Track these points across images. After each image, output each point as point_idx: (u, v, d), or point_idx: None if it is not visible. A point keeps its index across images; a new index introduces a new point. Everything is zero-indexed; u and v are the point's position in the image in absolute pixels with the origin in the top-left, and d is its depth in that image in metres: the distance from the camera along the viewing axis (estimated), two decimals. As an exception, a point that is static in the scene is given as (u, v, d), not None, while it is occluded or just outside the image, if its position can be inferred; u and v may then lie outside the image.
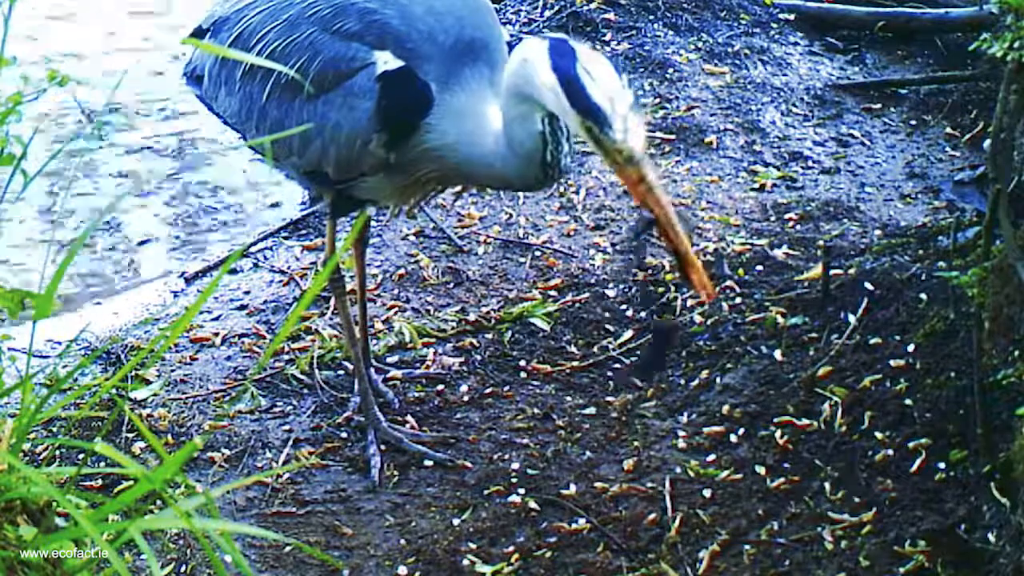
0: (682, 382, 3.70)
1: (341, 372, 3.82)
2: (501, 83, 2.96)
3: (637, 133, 2.64)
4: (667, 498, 3.24)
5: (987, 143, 3.17)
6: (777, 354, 3.67)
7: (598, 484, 3.34)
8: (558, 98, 2.68)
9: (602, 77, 2.66)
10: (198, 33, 3.47)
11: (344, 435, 3.58)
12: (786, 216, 4.60)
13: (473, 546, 3.17)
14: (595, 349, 3.88)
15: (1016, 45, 2.75)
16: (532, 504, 3.29)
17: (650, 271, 4.27)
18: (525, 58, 2.76)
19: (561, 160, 2.90)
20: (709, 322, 3.89)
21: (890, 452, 3.21)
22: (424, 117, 2.99)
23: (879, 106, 5.51)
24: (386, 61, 3.02)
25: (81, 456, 3.27)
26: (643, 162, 2.65)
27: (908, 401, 3.32)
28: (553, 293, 4.16)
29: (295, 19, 3.10)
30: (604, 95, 2.64)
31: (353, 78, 3.03)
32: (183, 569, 3.09)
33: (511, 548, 3.15)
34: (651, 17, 6.01)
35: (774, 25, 6.08)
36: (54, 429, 3.47)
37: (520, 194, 4.70)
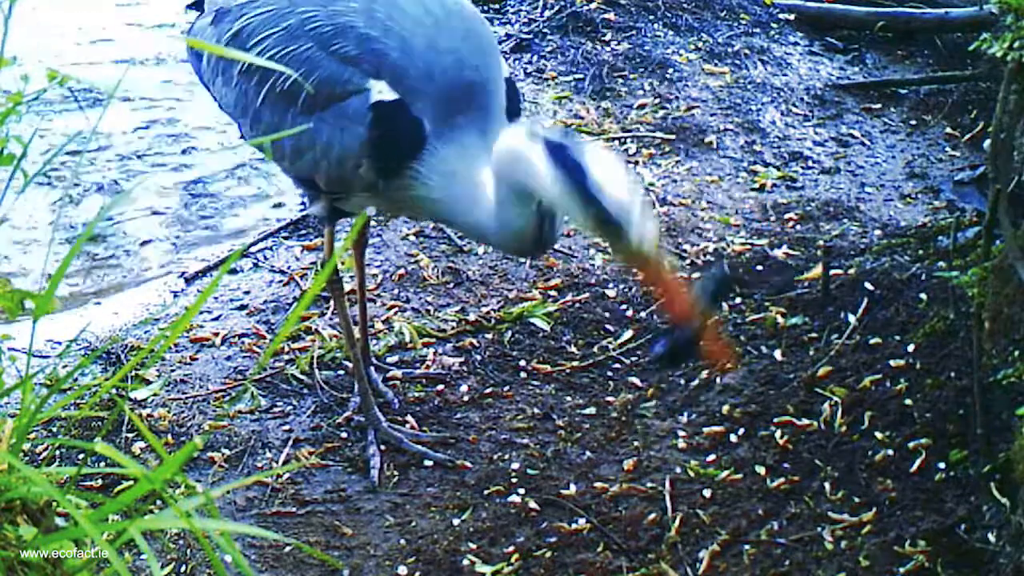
0: (682, 382, 3.70)
1: (341, 372, 3.82)
2: (495, 135, 2.91)
3: (651, 231, 2.65)
4: (667, 498, 3.24)
5: (987, 143, 3.17)
6: (777, 354, 3.68)
7: (598, 484, 3.34)
8: (568, 203, 2.67)
9: (614, 181, 2.65)
10: (198, 5, 3.47)
11: (344, 435, 3.58)
12: (786, 216, 4.60)
13: (473, 546, 3.17)
14: (595, 349, 3.88)
15: (1016, 45, 2.75)
16: (532, 504, 3.29)
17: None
18: (521, 156, 2.72)
19: (555, 236, 2.94)
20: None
21: (890, 452, 3.21)
22: (414, 158, 2.95)
23: (879, 106, 5.51)
24: (380, 91, 2.97)
25: (81, 456, 3.27)
26: (658, 257, 2.69)
27: (908, 401, 3.32)
28: (553, 293, 4.16)
29: (294, 30, 3.07)
30: (621, 203, 2.63)
31: (347, 101, 3.00)
32: (183, 569, 3.09)
33: (511, 548, 3.15)
34: (651, 17, 6.02)
35: (774, 25, 6.08)
36: (54, 429, 3.47)
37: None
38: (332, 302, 3.98)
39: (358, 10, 3.03)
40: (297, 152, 3.11)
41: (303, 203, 4.83)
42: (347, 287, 3.80)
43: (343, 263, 3.93)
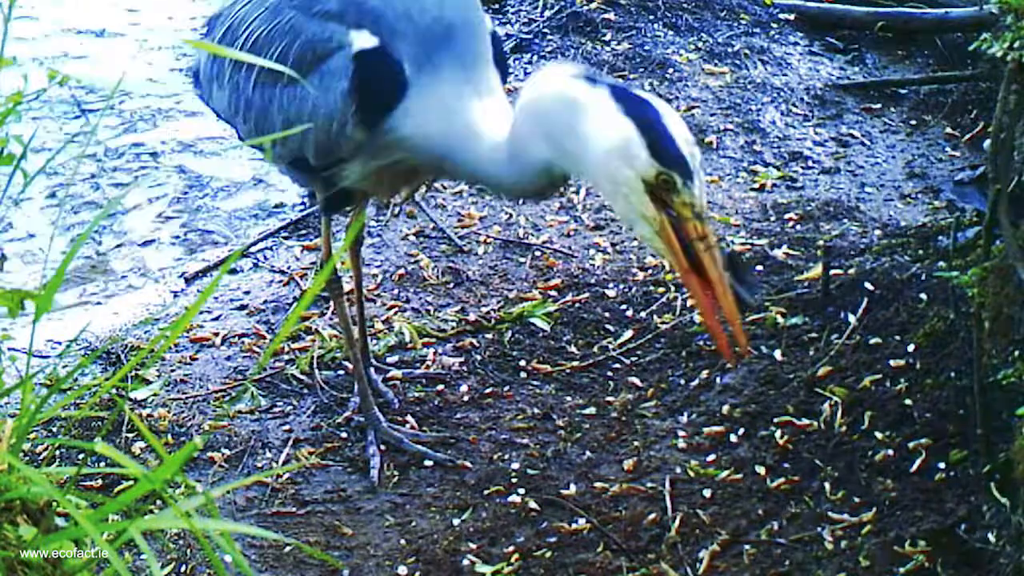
0: (682, 382, 3.70)
1: (341, 372, 3.82)
2: (482, 77, 2.91)
3: (704, 187, 2.60)
4: (667, 498, 3.24)
5: (987, 143, 3.17)
6: (777, 354, 3.67)
7: (598, 484, 3.34)
8: (628, 147, 2.57)
9: (679, 127, 2.60)
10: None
11: (344, 435, 3.58)
12: (786, 216, 4.60)
13: (473, 546, 3.17)
14: (595, 349, 3.88)
15: (1016, 45, 2.75)
16: (532, 504, 3.29)
17: (650, 271, 4.27)
18: (575, 100, 2.64)
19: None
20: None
21: (890, 452, 3.21)
22: (399, 98, 2.93)
23: (879, 106, 5.51)
24: (362, 41, 2.98)
25: (81, 456, 3.27)
26: (708, 217, 2.62)
27: (908, 401, 3.32)
28: (553, 293, 4.16)
29: (278, 7, 3.10)
30: (687, 147, 2.58)
31: (329, 59, 3.00)
32: (183, 569, 3.09)
33: (511, 548, 3.15)
34: (651, 17, 6.01)
35: (774, 25, 6.08)
36: (54, 429, 3.47)
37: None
38: (331, 303, 3.98)
39: None
40: (286, 128, 3.09)
41: (303, 203, 4.84)
42: (346, 287, 3.80)
43: (342, 263, 3.93)
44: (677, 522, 3.16)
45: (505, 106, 2.91)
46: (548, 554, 3.12)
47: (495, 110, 2.90)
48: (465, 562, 3.12)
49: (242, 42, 3.13)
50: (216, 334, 4.01)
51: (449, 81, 2.93)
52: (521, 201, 4.11)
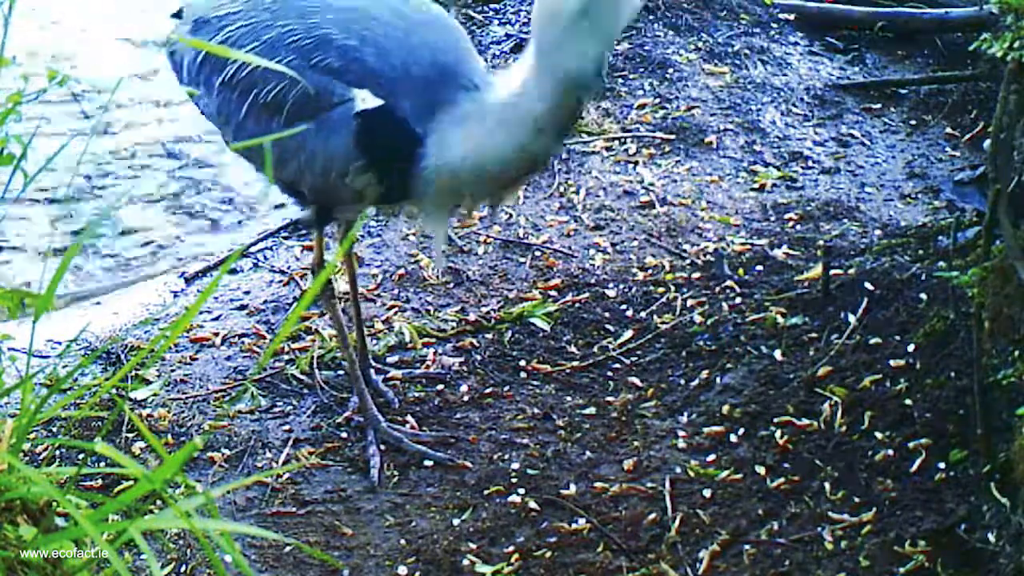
0: (682, 382, 3.70)
1: (341, 372, 3.82)
2: (481, 78, 2.98)
3: None
4: (667, 498, 3.24)
5: (987, 143, 3.17)
6: (777, 354, 3.67)
7: (598, 484, 3.34)
8: None
9: None
10: (176, 16, 3.48)
11: (344, 435, 3.58)
12: (786, 216, 4.60)
13: (473, 546, 3.17)
14: (595, 349, 3.88)
15: (1016, 45, 2.75)
16: (532, 504, 3.29)
17: (650, 271, 4.27)
18: None
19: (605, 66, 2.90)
20: (709, 322, 3.89)
21: (890, 452, 3.21)
22: (415, 152, 2.97)
23: (879, 106, 5.51)
24: (364, 99, 3.00)
25: (81, 456, 3.27)
26: None
27: (908, 401, 3.31)
28: (553, 293, 4.16)
29: (275, 43, 3.08)
30: None
31: (330, 111, 3.02)
32: (183, 569, 3.09)
33: (511, 548, 3.15)
34: (651, 17, 6.01)
35: (774, 25, 6.08)
36: (54, 429, 3.47)
37: (520, 194, 4.70)
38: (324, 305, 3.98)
39: (335, 21, 3.06)
40: (281, 162, 3.11)
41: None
42: (343, 288, 3.79)
43: (341, 262, 3.93)
44: (677, 522, 3.16)
45: (508, 71, 2.98)
46: (548, 554, 3.12)
47: (502, 79, 2.96)
48: (465, 562, 3.12)
49: (234, 70, 3.13)
50: (216, 334, 4.01)
51: (458, 104, 2.98)
52: (522, 197, 4.10)
